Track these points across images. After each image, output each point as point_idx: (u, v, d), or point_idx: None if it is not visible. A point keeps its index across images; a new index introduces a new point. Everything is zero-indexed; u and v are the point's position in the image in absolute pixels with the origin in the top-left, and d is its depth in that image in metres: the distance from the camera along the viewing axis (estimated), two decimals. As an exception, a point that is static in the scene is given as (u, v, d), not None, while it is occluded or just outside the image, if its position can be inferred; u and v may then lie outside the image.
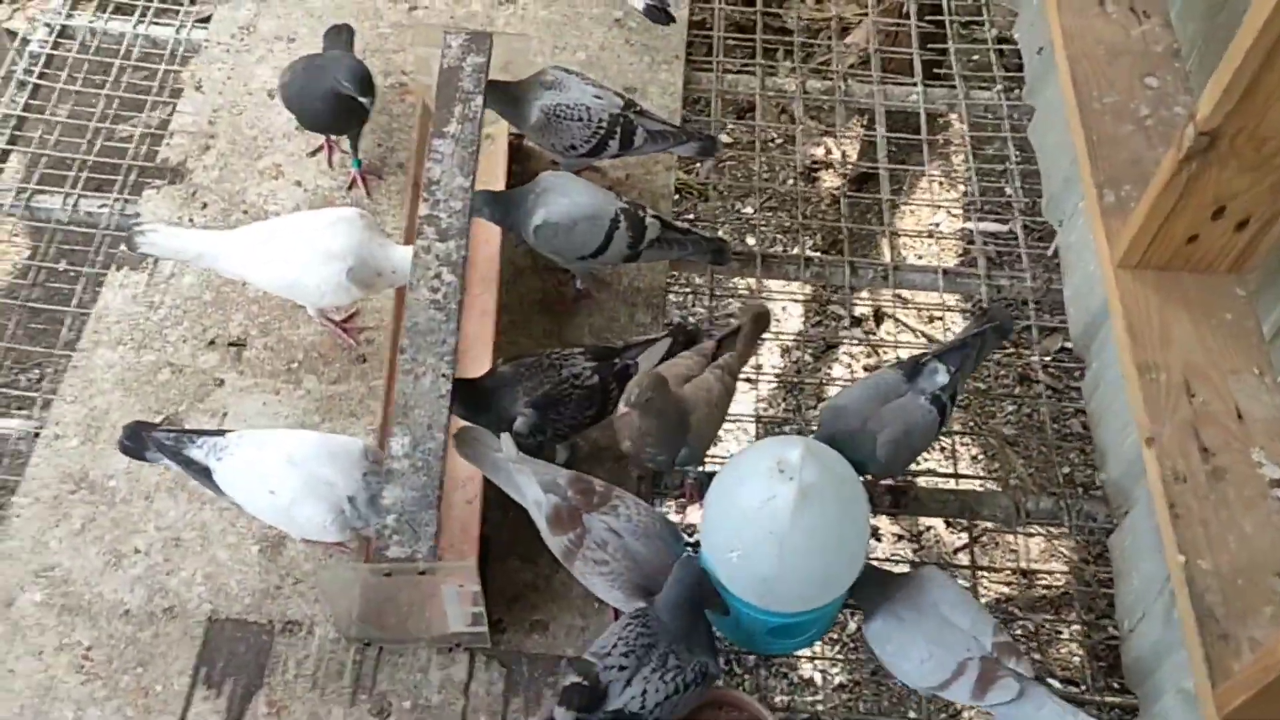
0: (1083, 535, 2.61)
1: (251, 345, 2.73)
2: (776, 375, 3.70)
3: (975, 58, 3.58)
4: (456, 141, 2.63)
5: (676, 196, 3.18)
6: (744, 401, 3.79)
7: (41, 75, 3.20)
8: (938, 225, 3.52)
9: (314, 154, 2.99)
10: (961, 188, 3.47)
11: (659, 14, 3.18)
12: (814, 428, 3.93)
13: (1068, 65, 1.99)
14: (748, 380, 3.58)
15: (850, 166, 4.03)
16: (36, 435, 2.59)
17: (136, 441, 2.31)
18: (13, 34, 3.57)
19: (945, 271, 3.04)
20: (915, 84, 3.38)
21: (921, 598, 2.14)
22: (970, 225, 3.17)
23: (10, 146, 3.08)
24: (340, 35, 2.88)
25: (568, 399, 2.39)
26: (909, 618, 2.13)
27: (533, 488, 2.21)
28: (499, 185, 2.88)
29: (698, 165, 3.53)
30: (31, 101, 3.15)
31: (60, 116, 3.13)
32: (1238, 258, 1.81)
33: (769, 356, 4.06)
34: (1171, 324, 1.78)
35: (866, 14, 3.89)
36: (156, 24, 3.35)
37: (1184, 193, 1.67)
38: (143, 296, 2.78)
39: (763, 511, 2.02)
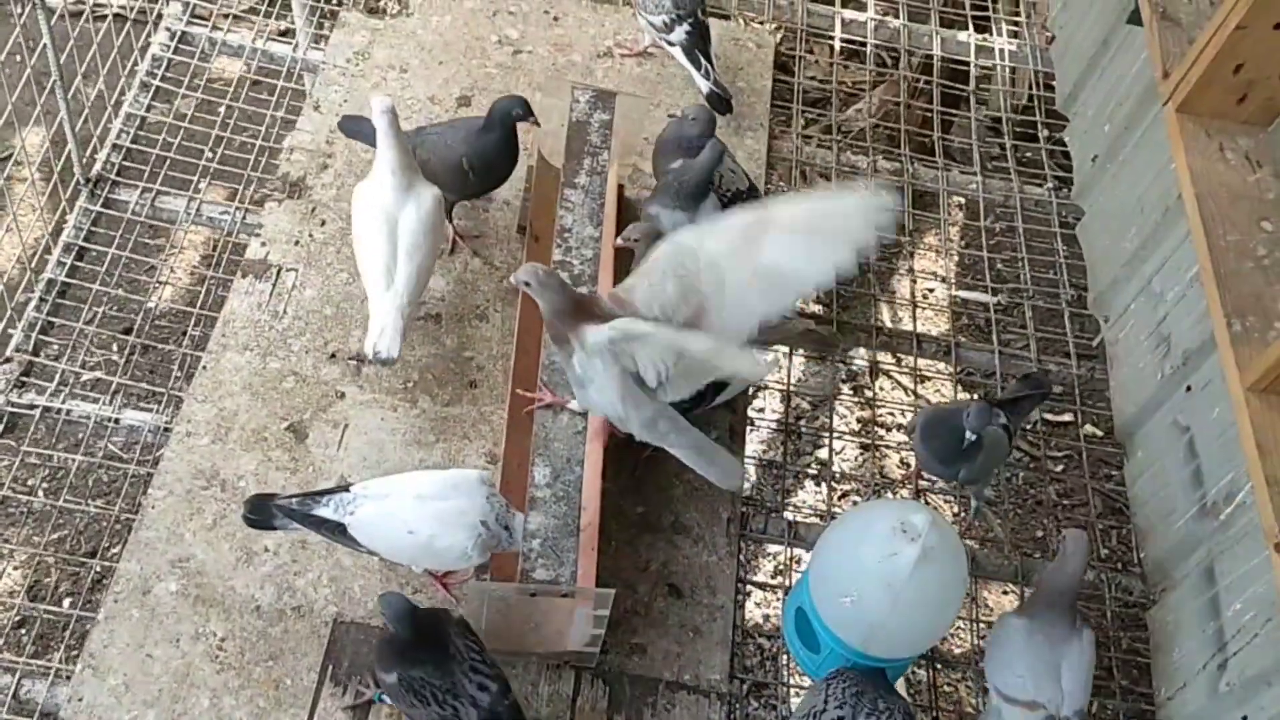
0: (1119, 607, 2.89)
1: (370, 362, 2.88)
2: (776, 420, 3.86)
3: (1029, 154, 3.90)
4: (586, 193, 2.84)
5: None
6: (752, 444, 4.03)
7: (163, 79, 3.32)
8: (993, 305, 3.76)
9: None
10: (1007, 271, 3.77)
11: (720, 102, 3.40)
12: (810, 470, 4.16)
13: (1195, 203, 2.27)
14: (748, 423, 3.78)
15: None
16: (166, 430, 2.72)
17: (262, 513, 2.37)
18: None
19: (1001, 353, 3.31)
20: (975, 173, 3.68)
21: (1054, 640, 2.35)
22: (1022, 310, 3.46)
23: (134, 145, 3.20)
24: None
25: None
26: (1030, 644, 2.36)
27: None
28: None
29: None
30: (154, 104, 3.28)
31: (182, 122, 3.26)
32: (1352, 395, 2.12)
33: (769, 400, 4.29)
34: (1294, 444, 2.08)
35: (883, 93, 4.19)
36: (274, 40, 3.49)
37: (1317, 337, 1.97)
38: (267, 305, 2.92)
39: (883, 566, 2.25)
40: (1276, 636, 2.22)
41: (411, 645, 2.20)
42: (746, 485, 4.11)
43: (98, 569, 2.90)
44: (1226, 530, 2.52)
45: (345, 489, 2.36)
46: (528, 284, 2.36)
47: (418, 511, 2.32)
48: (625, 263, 2.90)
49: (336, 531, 2.33)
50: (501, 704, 2.21)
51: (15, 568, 3.11)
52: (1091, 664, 2.36)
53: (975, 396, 2.83)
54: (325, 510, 2.32)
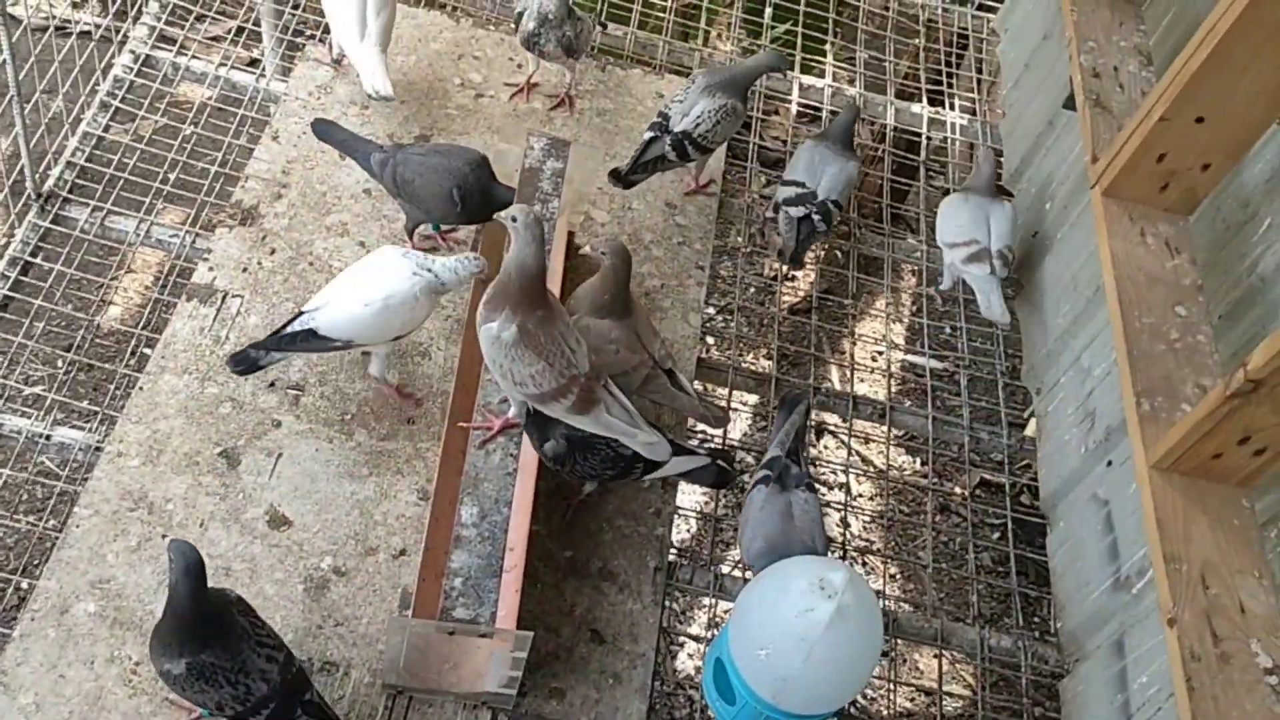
0: (1034, 675, 2.93)
1: (309, 392, 2.90)
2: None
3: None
4: (534, 238, 2.88)
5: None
6: (688, 495, 4.08)
7: (124, 100, 3.35)
8: (929, 371, 3.84)
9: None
10: (950, 340, 3.85)
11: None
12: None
13: (1115, 285, 2.35)
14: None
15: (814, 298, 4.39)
16: (97, 449, 2.71)
17: (244, 361, 2.68)
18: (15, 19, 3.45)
19: (935, 419, 3.38)
20: (920, 242, 3.76)
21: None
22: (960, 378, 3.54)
23: (89, 164, 3.22)
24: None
25: (597, 452, 2.63)
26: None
27: None
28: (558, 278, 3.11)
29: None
30: (114, 124, 3.30)
31: (140, 144, 3.28)
32: (1248, 476, 2.20)
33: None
34: (1192, 524, 2.14)
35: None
36: (239, 69, 3.53)
37: (1221, 422, 2.03)
38: (209, 330, 2.93)
39: (799, 620, 2.28)
40: (1176, 711, 2.27)
41: (199, 627, 2.20)
42: (686, 536, 4.18)
43: (24, 586, 2.88)
44: (1138, 604, 2.58)
45: (300, 314, 2.66)
46: (514, 220, 2.40)
47: (364, 291, 2.64)
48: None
49: (310, 338, 2.63)
50: (289, 672, 2.26)
51: (-62, 582, 3.08)
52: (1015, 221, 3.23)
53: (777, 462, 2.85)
54: (293, 327, 2.62)
